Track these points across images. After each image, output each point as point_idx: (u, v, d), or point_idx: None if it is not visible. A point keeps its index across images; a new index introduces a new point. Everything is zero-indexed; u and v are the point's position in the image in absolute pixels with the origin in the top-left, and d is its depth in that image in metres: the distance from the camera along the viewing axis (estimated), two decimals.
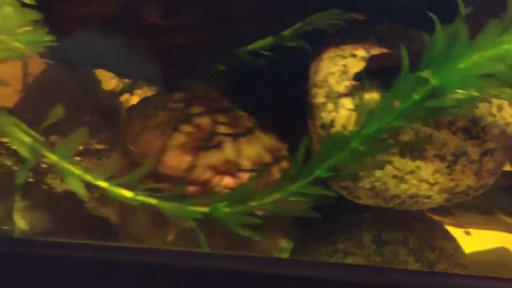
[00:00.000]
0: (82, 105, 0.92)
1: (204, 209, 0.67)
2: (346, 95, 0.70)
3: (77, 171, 0.66)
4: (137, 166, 0.68)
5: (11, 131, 0.63)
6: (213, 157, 0.74)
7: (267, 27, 0.77)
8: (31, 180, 0.75)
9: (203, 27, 0.73)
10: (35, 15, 0.59)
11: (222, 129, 0.76)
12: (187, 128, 0.75)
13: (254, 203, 0.67)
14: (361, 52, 0.73)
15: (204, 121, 0.76)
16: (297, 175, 0.67)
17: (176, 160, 0.73)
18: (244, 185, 0.69)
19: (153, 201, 0.67)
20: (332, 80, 0.71)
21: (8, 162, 0.76)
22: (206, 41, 0.75)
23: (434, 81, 0.61)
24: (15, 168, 0.76)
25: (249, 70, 0.80)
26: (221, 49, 0.78)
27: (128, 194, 0.67)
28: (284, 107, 0.79)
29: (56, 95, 0.95)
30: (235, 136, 0.77)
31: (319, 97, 0.71)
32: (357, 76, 0.69)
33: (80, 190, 0.65)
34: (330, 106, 0.70)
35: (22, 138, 0.63)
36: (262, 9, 0.73)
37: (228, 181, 0.73)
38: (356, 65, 0.71)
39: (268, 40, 0.80)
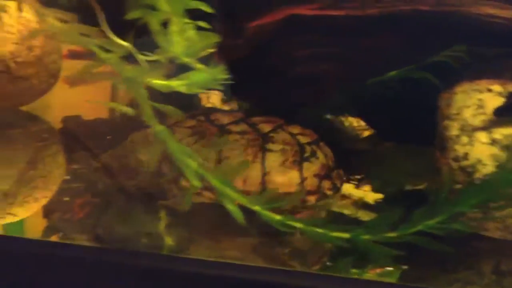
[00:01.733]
0: None
1: (346, 235, 0.72)
2: (482, 129, 0.73)
3: (234, 195, 0.70)
4: None
5: (182, 157, 0.67)
6: (314, 166, 0.79)
7: (397, 60, 0.80)
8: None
9: (338, 57, 0.77)
10: (216, 38, 0.62)
11: (303, 139, 0.81)
12: (276, 146, 0.79)
13: (393, 234, 0.71)
14: (497, 88, 0.75)
15: (284, 136, 0.80)
16: (436, 208, 0.71)
17: (286, 177, 0.78)
18: (384, 215, 0.73)
19: (299, 224, 0.71)
20: (467, 114, 0.74)
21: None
22: (338, 71, 0.79)
23: None
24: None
25: (375, 100, 0.84)
26: (351, 79, 0.81)
27: (277, 217, 0.71)
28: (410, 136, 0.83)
29: None
30: (315, 143, 0.82)
31: (453, 129, 0.74)
32: (499, 111, 0.72)
33: (238, 215, 0.69)
34: (464, 139, 0.73)
35: (189, 164, 0.67)
36: (392, 42, 0.77)
37: (328, 184, 0.80)
38: (493, 100, 0.74)
39: (395, 72, 0.83)
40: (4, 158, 0.90)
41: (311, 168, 0.79)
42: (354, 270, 0.74)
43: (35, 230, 0.78)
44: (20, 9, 0.73)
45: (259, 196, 0.71)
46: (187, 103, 0.98)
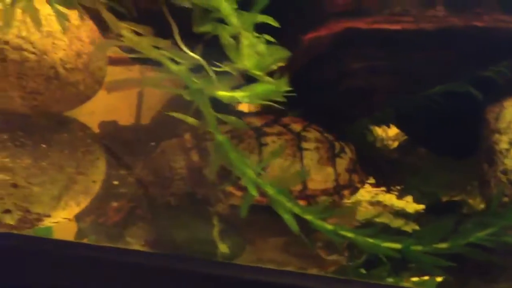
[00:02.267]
0: None
1: (398, 246, 0.73)
2: None
3: (288, 204, 0.71)
4: None
5: (240, 166, 0.68)
6: (344, 160, 0.81)
7: (447, 74, 0.82)
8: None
9: (390, 70, 0.79)
10: (286, 53, 0.64)
11: (330, 136, 0.83)
12: (310, 144, 0.81)
13: (444, 245, 0.73)
14: None
15: (315, 134, 0.81)
16: (486, 221, 0.72)
17: (323, 174, 0.79)
18: (436, 226, 0.74)
19: (351, 234, 0.73)
20: None
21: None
22: (389, 84, 0.80)
23: None
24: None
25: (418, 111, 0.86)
26: (401, 92, 0.83)
27: (329, 227, 0.73)
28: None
29: None
30: (337, 140, 0.83)
31: (502, 143, 0.76)
32: None
33: (292, 224, 0.71)
34: None
35: (247, 173, 0.69)
36: (444, 56, 0.78)
37: (357, 178, 0.81)
38: None
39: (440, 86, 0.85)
40: (52, 162, 0.92)
41: (342, 163, 0.81)
42: (390, 279, 0.75)
43: (63, 233, 0.80)
44: (81, 18, 0.75)
45: (313, 206, 0.72)
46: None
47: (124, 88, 1.23)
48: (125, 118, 1.18)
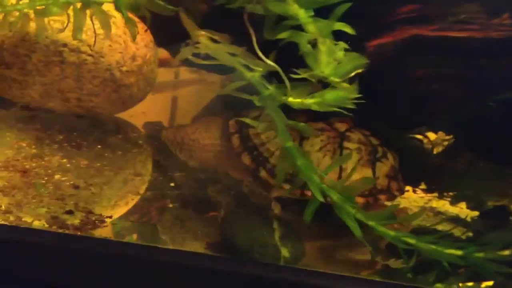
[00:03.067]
0: None
1: (459, 253, 0.73)
2: None
3: (352, 210, 0.72)
4: None
5: (307, 172, 0.69)
6: (385, 166, 0.81)
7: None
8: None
9: (454, 77, 0.79)
10: (364, 61, 0.64)
11: (374, 140, 0.83)
12: (352, 145, 0.81)
13: (508, 252, 0.73)
14: None
15: (359, 136, 0.82)
16: None
17: (361, 175, 0.80)
18: (499, 233, 0.74)
19: (413, 241, 0.73)
20: None
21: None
22: (452, 91, 0.80)
23: None
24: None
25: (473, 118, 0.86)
26: (463, 99, 0.83)
27: (392, 233, 0.73)
28: None
29: None
30: (382, 145, 0.84)
31: None
32: None
33: (356, 230, 0.71)
34: None
35: (314, 179, 0.70)
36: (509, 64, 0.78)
37: (396, 185, 0.82)
38: None
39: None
40: (108, 163, 0.93)
41: (382, 168, 0.81)
42: (438, 285, 0.76)
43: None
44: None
45: (376, 212, 0.73)
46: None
47: (176, 89, 1.24)
48: (166, 119, 1.19)
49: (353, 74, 0.63)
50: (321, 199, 0.70)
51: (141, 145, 1.03)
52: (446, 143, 0.98)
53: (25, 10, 0.74)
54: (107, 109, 1.00)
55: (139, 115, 1.11)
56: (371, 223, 0.73)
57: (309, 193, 0.72)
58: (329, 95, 0.65)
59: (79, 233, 0.76)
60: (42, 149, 0.92)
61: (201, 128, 0.90)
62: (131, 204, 0.87)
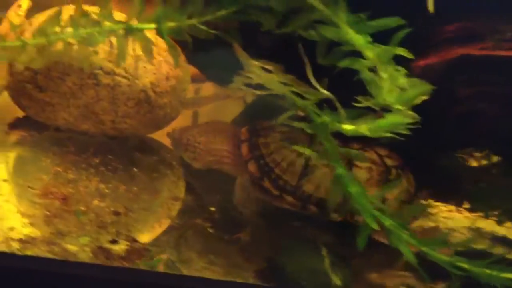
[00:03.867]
0: None
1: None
2: None
3: (406, 236, 0.70)
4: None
5: (360, 199, 0.68)
6: (397, 189, 0.79)
7: None
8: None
9: (499, 97, 0.77)
10: (429, 87, 0.63)
11: (389, 162, 0.81)
12: (364, 163, 0.79)
13: None
14: None
15: (372, 155, 0.80)
16: None
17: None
18: None
19: (467, 266, 0.72)
20: None
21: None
22: (497, 110, 0.79)
23: None
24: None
25: None
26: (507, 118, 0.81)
27: (445, 258, 0.72)
28: None
29: None
30: (401, 167, 0.82)
31: None
32: None
33: (410, 257, 0.70)
34: None
35: (367, 206, 0.68)
36: None
37: None
38: None
39: None
40: (144, 187, 0.92)
41: (393, 191, 0.79)
42: None
43: None
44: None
45: (429, 238, 0.71)
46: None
47: (200, 105, 1.23)
48: None
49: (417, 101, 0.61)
50: (376, 226, 0.68)
51: (175, 166, 1.02)
52: (493, 162, 0.96)
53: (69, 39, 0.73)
54: (141, 130, 0.99)
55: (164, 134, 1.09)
56: (424, 248, 0.71)
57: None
58: (383, 121, 0.64)
59: (125, 263, 0.74)
60: (79, 174, 0.91)
61: (209, 131, 0.89)
62: (169, 230, 0.86)
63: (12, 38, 0.76)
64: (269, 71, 0.65)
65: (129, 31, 0.72)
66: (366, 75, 0.61)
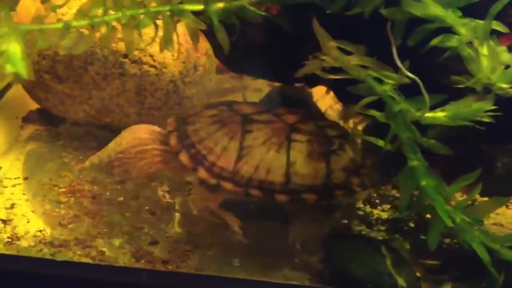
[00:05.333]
0: None
1: None
2: None
3: (477, 233, 0.65)
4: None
5: (433, 194, 0.62)
6: (342, 159, 0.73)
7: None
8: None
9: None
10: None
11: (331, 132, 0.76)
12: (302, 137, 0.73)
13: None
14: None
15: (311, 127, 0.74)
16: None
17: (311, 169, 0.72)
18: None
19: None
20: None
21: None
22: None
23: None
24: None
25: None
26: None
27: None
28: None
29: None
30: (344, 137, 0.76)
31: None
32: None
33: (484, 255, 0.65)
34: None
35: (441, 202, 0.63)
36: None
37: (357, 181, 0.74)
38: None
39: None
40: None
41: (338, 162, 0.73)
42: None
43: None
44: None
45: (503, 235, 0.67)
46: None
47: (228, 96, 1.16)
48: None
49: None
50: (450, 223, 0.63)
51: None
52: None
53: (113, 23, 0.66)
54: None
55: None
56: (496, 246, 0.66)
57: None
58: (464, 108, 0.58)
59: (169, 267, 0.68)
60: None
61: (126, 137, 0.77)
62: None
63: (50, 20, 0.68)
64: (349, 53, 0.59)
65: (176, 13, 0.66)
66: (465, 52, 0.56)
